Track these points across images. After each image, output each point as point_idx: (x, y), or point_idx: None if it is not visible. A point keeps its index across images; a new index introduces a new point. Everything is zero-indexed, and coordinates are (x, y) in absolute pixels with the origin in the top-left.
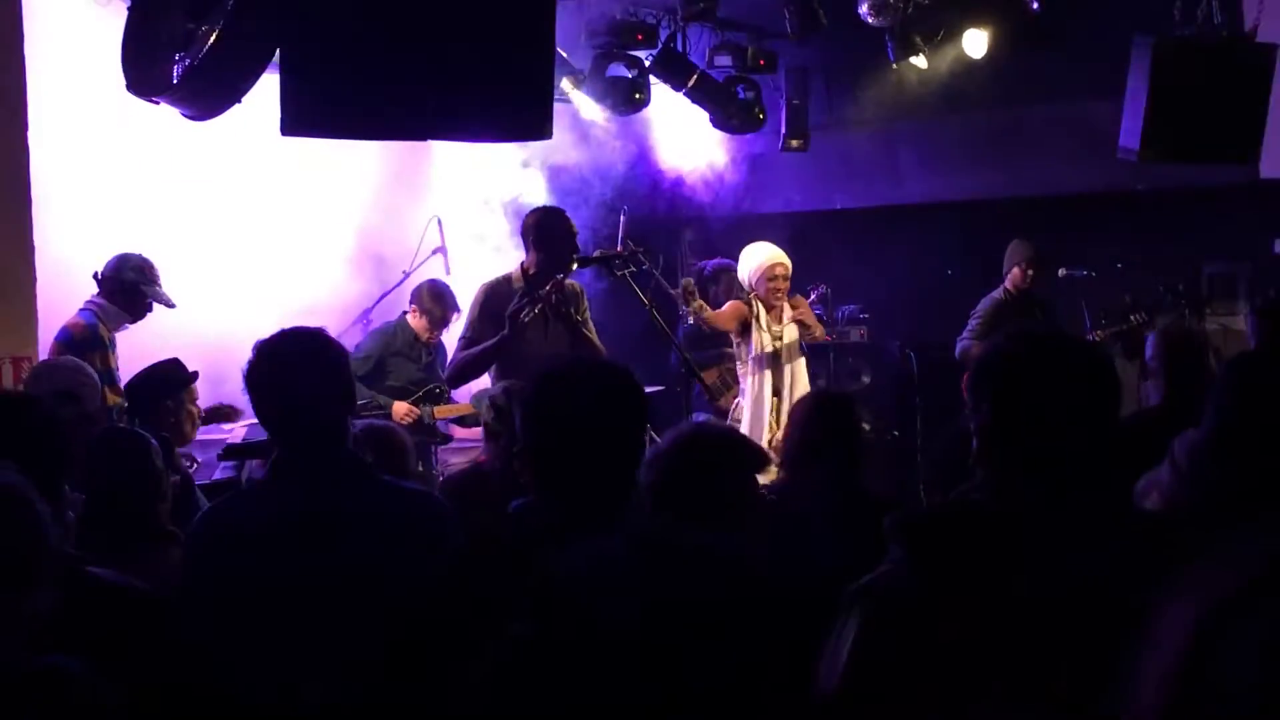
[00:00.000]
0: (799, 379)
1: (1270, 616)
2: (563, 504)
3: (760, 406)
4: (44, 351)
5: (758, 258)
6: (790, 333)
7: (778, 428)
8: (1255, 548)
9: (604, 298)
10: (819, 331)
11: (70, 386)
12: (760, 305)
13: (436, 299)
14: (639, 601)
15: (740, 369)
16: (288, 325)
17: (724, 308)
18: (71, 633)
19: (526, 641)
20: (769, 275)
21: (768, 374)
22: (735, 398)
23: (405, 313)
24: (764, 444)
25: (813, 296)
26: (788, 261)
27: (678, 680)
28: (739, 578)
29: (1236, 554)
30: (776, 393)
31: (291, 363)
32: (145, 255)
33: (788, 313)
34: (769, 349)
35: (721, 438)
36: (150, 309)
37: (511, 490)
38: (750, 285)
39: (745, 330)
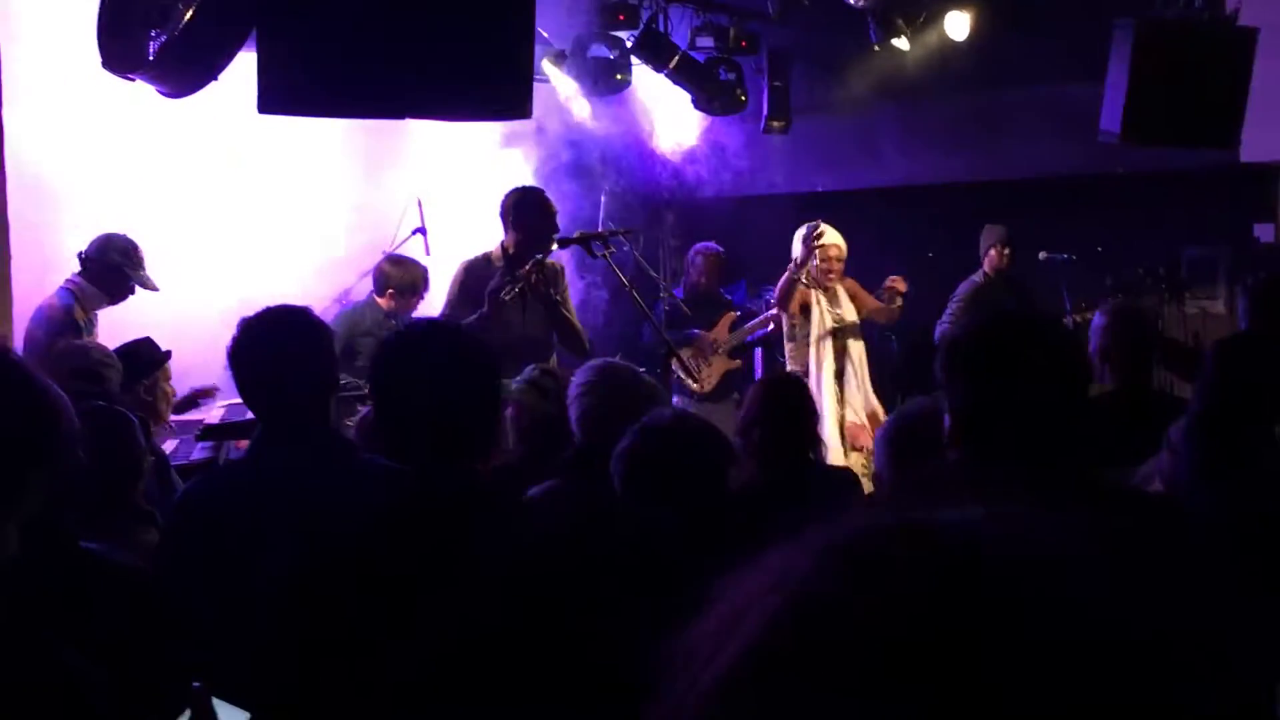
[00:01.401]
0: (860, 360)
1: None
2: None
3: (821, 389)
4: (19, 330)
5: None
6: (850, 313)
7: (842, 409)
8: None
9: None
10: (882, 310)
11: (91, 366)
12: (819, 288)
13: (397, 264)
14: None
15: (790, 350)
16: (264, 306)
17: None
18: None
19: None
20: (822, 255)
21: (828, 355)
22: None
23: (370, 293)
24: (830, 426)
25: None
26: (842, 242)
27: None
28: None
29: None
30: (839, 375)
31: (276, 340)
32: (128, 236)
33: (842, 294)
34: (830, 327)
35: (693, 430)
36: (132, 291)
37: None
38: (806, 264)
39: (805, 310)
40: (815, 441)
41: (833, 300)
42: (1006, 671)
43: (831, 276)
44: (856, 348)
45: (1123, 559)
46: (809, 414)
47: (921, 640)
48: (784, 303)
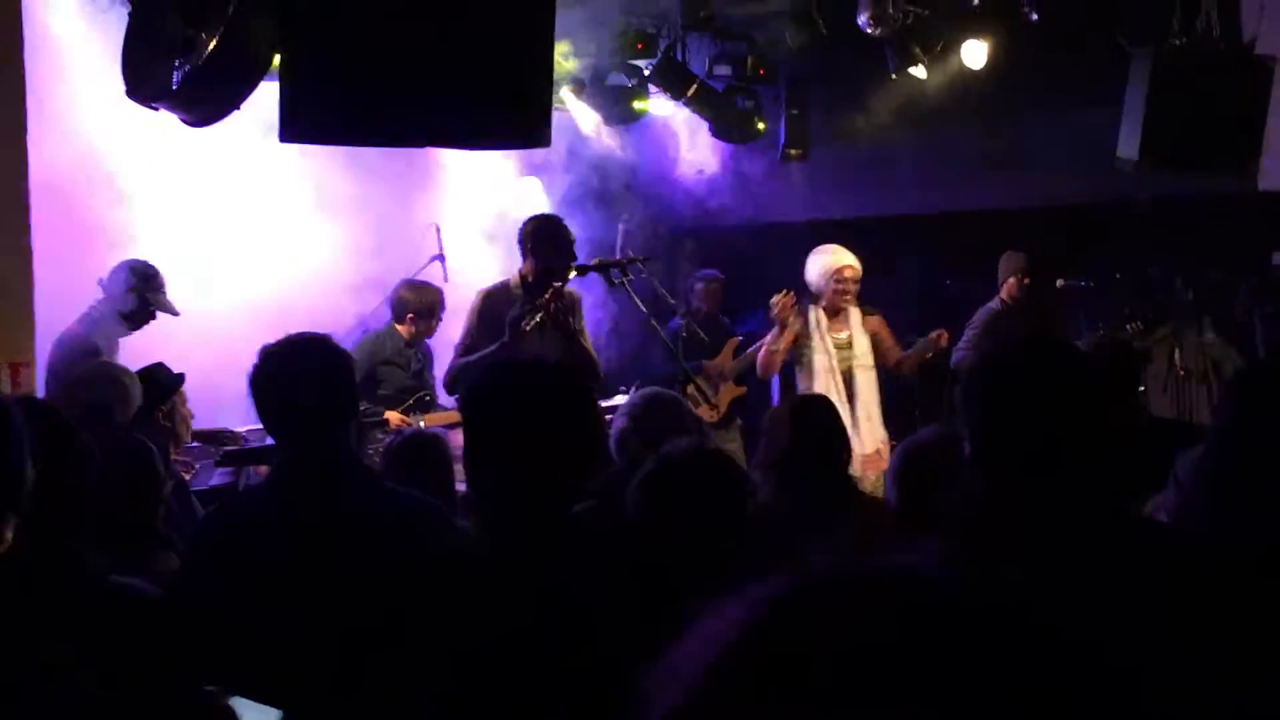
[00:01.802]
0: (868, 393)
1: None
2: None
3: None
4: (42, 357)
5: (826, 258)
6: (861, 342)
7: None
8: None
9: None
10: (905, 359)
11: (97, 397)
12: (820, 314)
13: (413, 289)
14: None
15: (801, 378)
16: (283, 333)
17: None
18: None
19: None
20: (837, 277)
21: (823, 386)
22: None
23: (389, 321)
24: None
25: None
26: (858, 265)
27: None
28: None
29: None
30: (849, 402)
31: (296, 368)
32: (149, 262)
33: (855, 319)
34: (827, 358)
35: (711, 463)
36: (154, 317)
37: None
38: (817, 287)
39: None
40: (848, 462)
41: (839, 325)
42: None
43: (847, 298)
44: (865, 377)
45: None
46: (839, 434)
47: (868, 694)
48: (765, 371)
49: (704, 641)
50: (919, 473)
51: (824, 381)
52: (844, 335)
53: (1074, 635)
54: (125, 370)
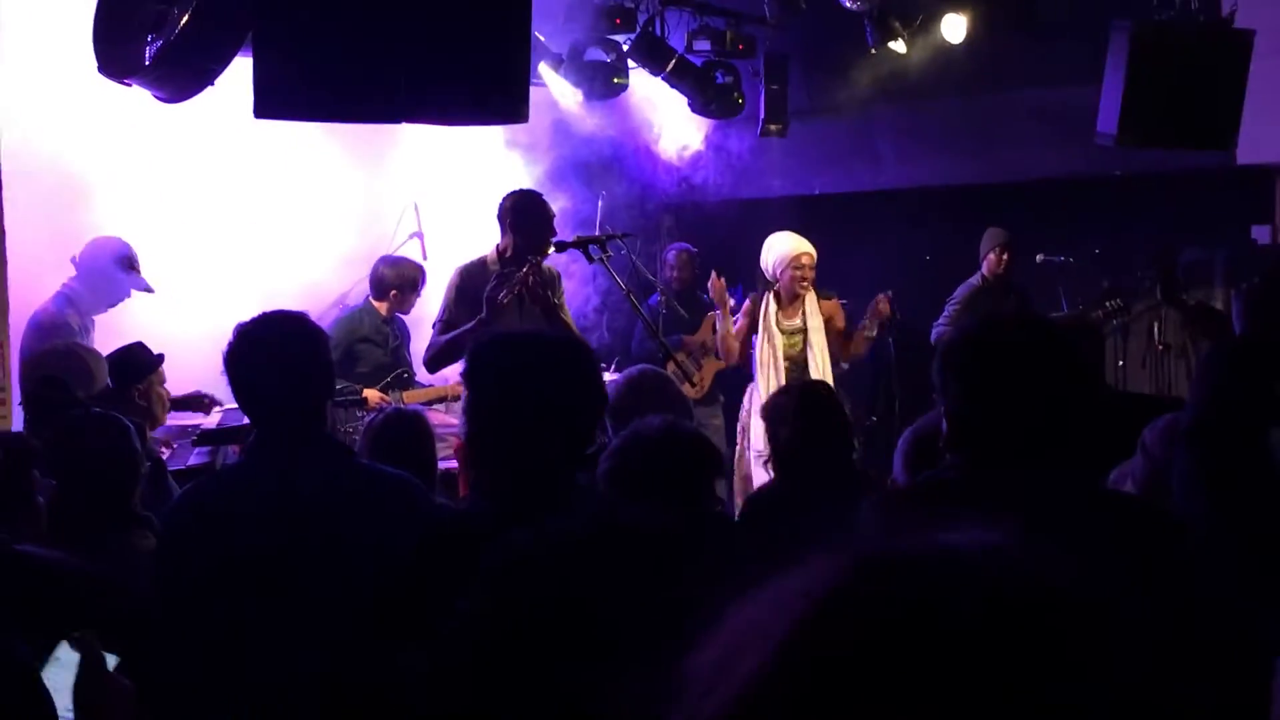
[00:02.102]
0: (824, 372)
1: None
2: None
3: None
4: (15, 338)
5: (783, 245)
6: (816, 329)
7: None
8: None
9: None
10: (850, 342)
11: (55, 371)
12: (773, 300)
13: (393, 265)
14: (593, 581)
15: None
16: (260, 312)
17: (739, 317)
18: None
19: (473, 617)
20: (794, 264)
21: (775, 376)
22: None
23: (367, 297)
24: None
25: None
26: (814, 252)
27: (622, 659)
28: (693, 560)
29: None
30: None
31: (272, 345)
32: (123, 239)
33: (811, 305)
34: (771, 351)
35: (682, 439)
36: (128, 294)
37: None
38: (773, 274)
39: (754, 328)
40: (850, 444)
41: (793, 312)
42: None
43: (804, 284)
44: (820, 362)
45: (1114, 590)
46: (844, 421)
47: (922, 685)
48: (729, 357)
49: (751, 633)
50: (927, 455)
51: (765, 375)
52: (797, 322)
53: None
54: (89, 349)
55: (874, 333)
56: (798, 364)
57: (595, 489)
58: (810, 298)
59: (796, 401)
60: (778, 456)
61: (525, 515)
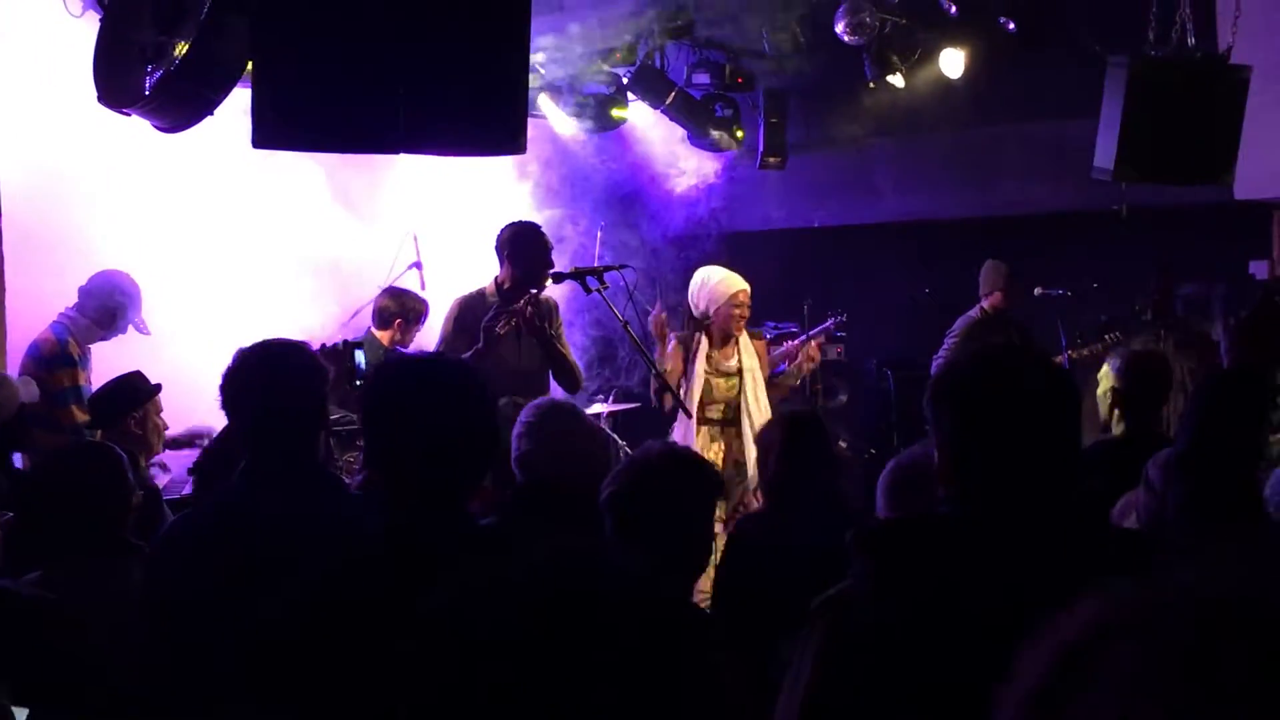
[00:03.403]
0: (760, 409)
1: (1119, 661)
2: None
3: (692, 438)
4: (14, 366)
5: (722, 285)
6: (752, 369)
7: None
8: (1123, 587)
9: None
10: (780, 389)
11: None
12: (705, 339)
13: (395, 298)
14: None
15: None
16: (263, 339)
17: (670, 350)
18: None
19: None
20: (734, 303)
21: (683, 428)
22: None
23: (370, 329)
24: None
25: (830, 324)
26: (748, 286)
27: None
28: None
29: (1106, 591)
30: (728, 424)
31: (270, 371)
32: (131, 277)
33: (745, 344)
34: (713, 388)
35: (683, 462)
36: (125, 330)
37: None
38: (705, 312)
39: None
40: (836, 477)
41: (728, 352)
42: None
43: (741, 324)
44: (760, 400)
45: None
46: (825, 444)
47: None
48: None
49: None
50: (908, 487)
51: (685, 425)
52: (732, 363)
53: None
54: (4, 375)
55: (795, 381)
56: (732, 407)
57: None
58: (744, 337)
59: (784, 432)
60: (765, 485)
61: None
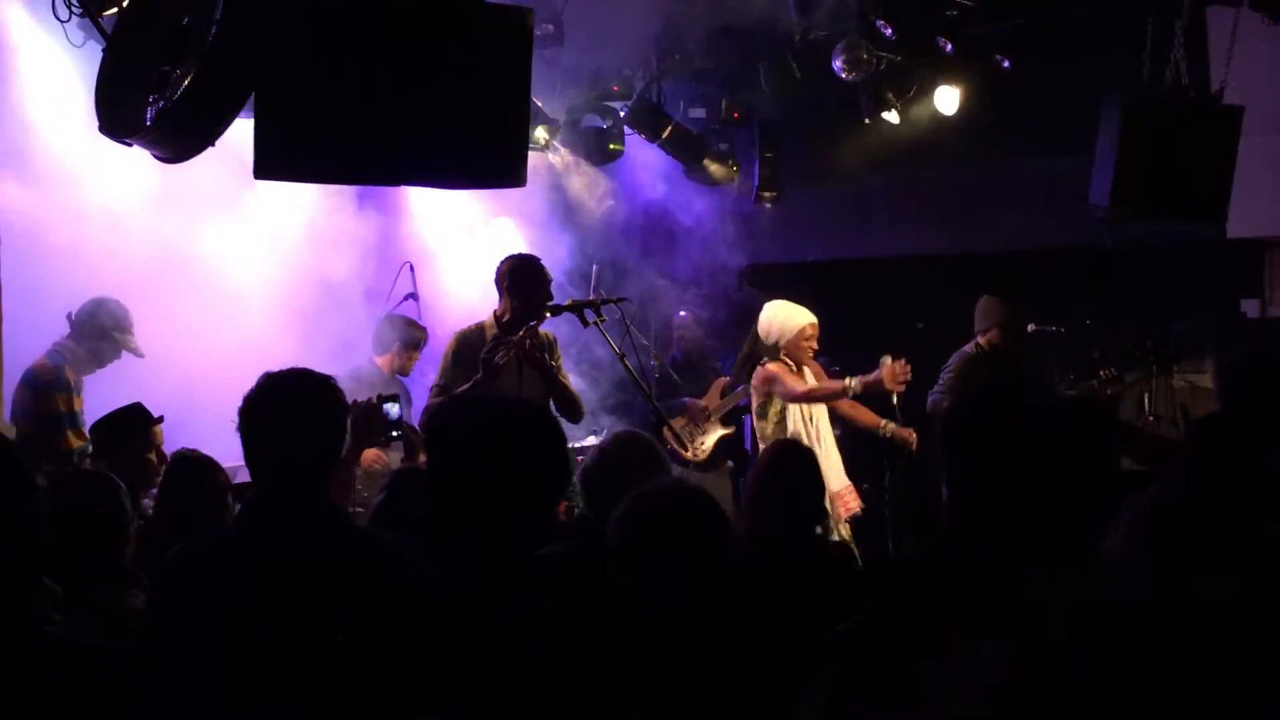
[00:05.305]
0: (827, 432)
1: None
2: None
3: None
4: (9, 392)
5: (795, 318)
6: None
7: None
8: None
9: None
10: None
11: None
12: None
13: (395, 325)
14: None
15: (760, 428)
16: (254, 373)
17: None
18: None
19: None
20: (804, 335)
21: (803, 428)
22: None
23: (371, 358)
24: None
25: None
26: (815, 319)
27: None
28: None
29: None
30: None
31: (281, 400)
32: (120, 302)
33: (809, 373)
34: (801, 410)
35: (630, 443)
36: (119, 356)
37: None
38: (778, 344)
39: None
40: (819, 511)
41: (800, 379)
42: None
43: (811, 356)
44: (821, 418)
45: None
46: (811, 482)
47: None
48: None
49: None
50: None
51: (796, 426)
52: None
53: None
54: None
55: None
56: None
57: (562, 560)
58: (812, 365)
59: (770, 459)
60: (745, 506)
61: (486, 587)
